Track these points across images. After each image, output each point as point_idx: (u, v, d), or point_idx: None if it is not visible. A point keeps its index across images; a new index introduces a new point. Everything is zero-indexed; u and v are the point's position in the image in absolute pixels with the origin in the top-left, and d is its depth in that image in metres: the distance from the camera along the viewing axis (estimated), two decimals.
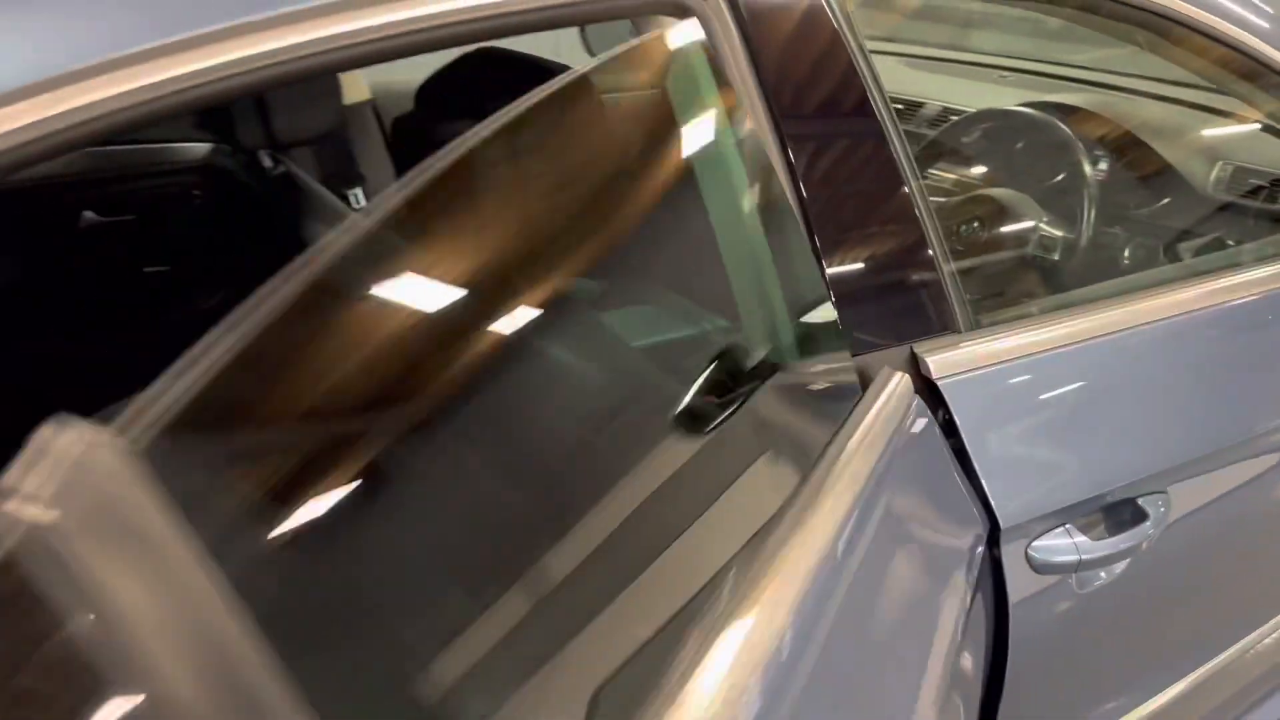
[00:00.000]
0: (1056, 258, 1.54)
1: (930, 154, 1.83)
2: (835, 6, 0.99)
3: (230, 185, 2.06)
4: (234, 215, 2.19)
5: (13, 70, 0.63)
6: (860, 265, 1.00)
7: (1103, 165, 1.71)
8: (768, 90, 0.96)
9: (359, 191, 2.38)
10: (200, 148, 2.23)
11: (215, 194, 2.20)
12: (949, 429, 0.99)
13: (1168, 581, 1.22)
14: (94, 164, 2.08)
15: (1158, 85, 1.75)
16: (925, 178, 1.83)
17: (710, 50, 0.93)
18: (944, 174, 1.80)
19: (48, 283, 2.19)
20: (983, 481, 0.99)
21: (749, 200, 0.99)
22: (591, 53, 2.60)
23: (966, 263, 1.48)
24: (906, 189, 1.02)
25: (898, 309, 1.02)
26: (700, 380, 0.91)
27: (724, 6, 0.94)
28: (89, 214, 2.21)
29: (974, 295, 1.36)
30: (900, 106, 2.17)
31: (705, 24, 0.93)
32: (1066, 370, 1.07)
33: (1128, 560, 1.12)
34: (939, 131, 1.90)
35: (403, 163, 1.26)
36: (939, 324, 1.02)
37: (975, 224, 1.60)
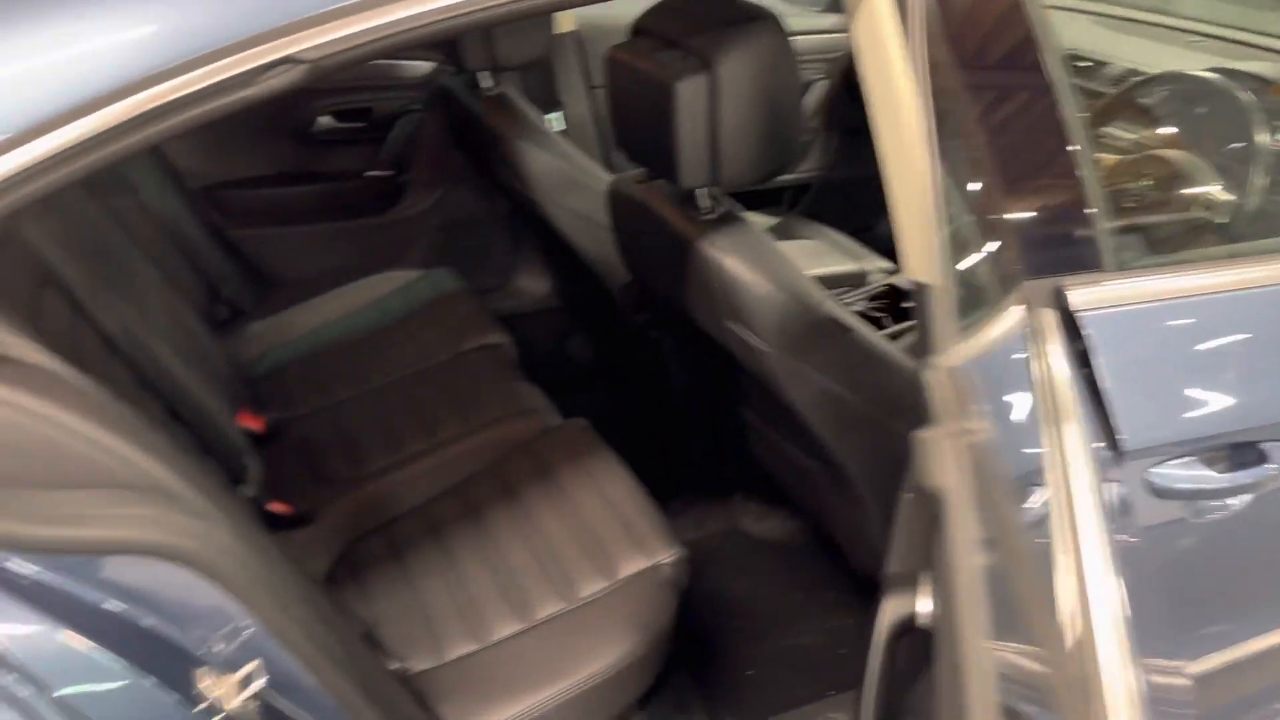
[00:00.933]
0: (1220, 221, 1.59)
1: (1110, 112, 1.88)
2: None
3: (450, 101, 2.27)
4: (451, 129, 2.41)
5: None
6: (1022, 205, 1.12)
7: None
8: (953, 40, 1.08)
9: (559, 115, 2.56)
10: (424, 66, 2.47)
11: (435, 108, 2.43)
12: (1085, 359, 1.11)
13: None
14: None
15: None
16: (1101, 135, 1.89)
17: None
18: (1121, 132, 1.85)
19: (287, 177, 2.48)
20: (1109, 408, 1.10)
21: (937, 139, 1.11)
22: None
23: (1129, 215, 1.55)
24: (1070, 142, 1.11)
25: (1050, 247, 1.13)
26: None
27: None
28: (324, 119, 2.49)
29: (1130, 244, 1.43)
30: (1088, 64, 2.21)
31: None
32: (1202, 316, 1.15)
33: (1247, 498, 1.21)
34: (1120, 90, 1.94)
35: (612, 87, 1.44)
36: (1085, 263, 1.12)
37: (1145, 181, 1.65)
